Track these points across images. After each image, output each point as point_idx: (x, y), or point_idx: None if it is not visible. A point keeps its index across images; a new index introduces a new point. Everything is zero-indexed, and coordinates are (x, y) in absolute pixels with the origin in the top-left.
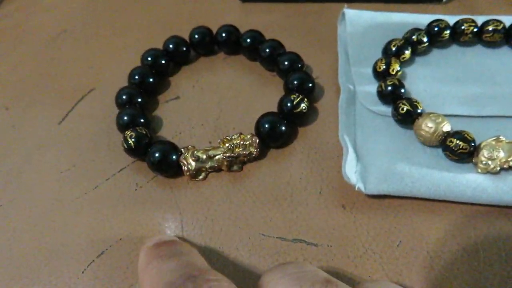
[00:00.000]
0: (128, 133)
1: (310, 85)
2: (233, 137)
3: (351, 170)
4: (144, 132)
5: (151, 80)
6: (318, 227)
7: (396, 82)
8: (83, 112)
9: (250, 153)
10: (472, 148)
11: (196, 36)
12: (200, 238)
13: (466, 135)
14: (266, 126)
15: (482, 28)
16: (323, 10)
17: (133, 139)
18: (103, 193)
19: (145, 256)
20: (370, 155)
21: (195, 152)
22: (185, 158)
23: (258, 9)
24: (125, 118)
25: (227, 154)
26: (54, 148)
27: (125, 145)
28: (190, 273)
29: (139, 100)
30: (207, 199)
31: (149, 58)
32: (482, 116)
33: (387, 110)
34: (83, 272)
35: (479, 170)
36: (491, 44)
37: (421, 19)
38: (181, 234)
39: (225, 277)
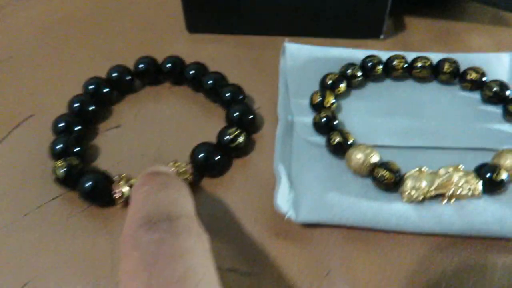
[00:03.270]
0: (58, 163)
1: (250, 117)
2: (167, 165)
3: (283, 199)
4: (76, 163)
5: (91, 108)
6: (252, 256)
7: (330, 114)
8: (19, 139)
9: (185, 180)
10: (397, 179)
11: (141, 66)
12: None
13: (391, 166)
14: (201, 155)
15: (412, 64)
16: (268, 43)
17: (62, 170)
18: (33, 222)
19: (142, 178)
20: (304, 184)
21: (129, 180)
22: (117, 186)
23: (206, 40)
24: (58, 146)
25: None
26: None
27: (54, 175)
28: (170, 214)
29: (77, 128)
30: None
31: (91, 86)
32: (410, 147)
33: (322, 140)
34: None
35: (404, 200)
36: (420, 79)
37: (357, 54)
38: (110, 264)
39: (202, 229)
